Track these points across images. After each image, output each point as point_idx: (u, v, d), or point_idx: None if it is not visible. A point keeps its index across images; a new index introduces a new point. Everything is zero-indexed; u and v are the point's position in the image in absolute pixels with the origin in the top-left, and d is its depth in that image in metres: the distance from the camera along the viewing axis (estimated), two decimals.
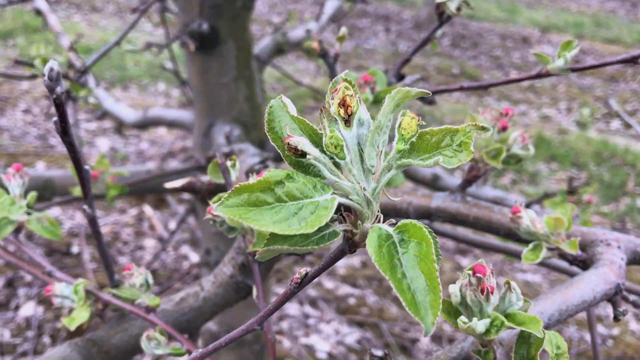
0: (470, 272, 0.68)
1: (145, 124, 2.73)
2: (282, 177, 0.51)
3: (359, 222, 0.54)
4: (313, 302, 3.95)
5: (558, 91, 7.87)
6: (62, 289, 1.06)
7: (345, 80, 0.57)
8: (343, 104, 0.53)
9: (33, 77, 1.85)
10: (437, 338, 3.83)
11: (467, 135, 0.51)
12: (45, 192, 2.12)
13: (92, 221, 0.96)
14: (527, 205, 2.26)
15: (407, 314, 3.64)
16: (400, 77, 1.19)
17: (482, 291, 0.66)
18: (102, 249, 1.03)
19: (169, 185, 1.29)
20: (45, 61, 1.63)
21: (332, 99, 0.54)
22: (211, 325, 2.52)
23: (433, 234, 0.55)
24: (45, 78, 0.72)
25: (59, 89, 0.72)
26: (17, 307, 3.59)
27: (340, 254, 0.56)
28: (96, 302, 1.07)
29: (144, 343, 0.93)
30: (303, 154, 0.53)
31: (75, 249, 4.03)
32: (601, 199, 5.40)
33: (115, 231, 4.29)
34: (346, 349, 3.61)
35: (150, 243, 4.30)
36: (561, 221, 0.90)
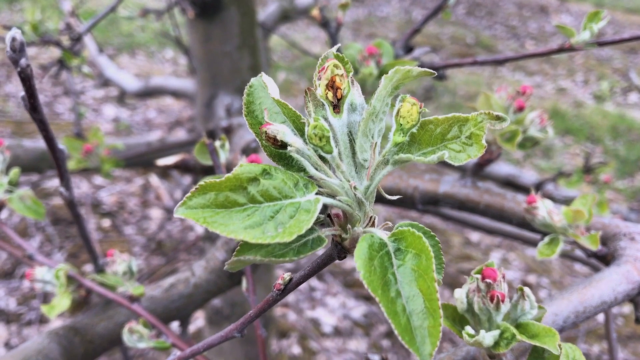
0: (479, 276, 0.60)
1: (147, 93, 2.65)
2: (257, 173, 0.43)
3: (349, 225, 0.46)
4: (319, 275, 3.91)
5: (575, 62, 7.66)
6: (44, 274, 1.00)
7: (337, 56, 0.48)
8: (332, 85, 0.44)
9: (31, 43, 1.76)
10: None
11: (479, 126, 0.42)
12: (42, 164, 2.05)
13: (71, 205, 0.89)
14: (541, 184, 2.17)
15: None
16: (409, 49, 1.10)
17: (491, 299, 0.58)
18: (83, 233, 0.96)
19: (161, 162, 1.21)
20: (35, 28, 1.54)
21: (319, 79, 0.45)
22: (215, 300, 2.47)
23: (436, 238, 0.47)
24: (8, 49, 0.64)
25: (23, 61, 0.64)
26: (22, 276, 3.57)
27: (327, 260, 0.49)
28: (79, 288, 1.01)
29: (125, 336, 0.87)
30: (284, 145, 0.44)
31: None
32: (616, 174, 5.28)
33: (121, 201, 4.25)
34: (352, 322, 3.57)
35: (156, 213, 4.26)
36: (581, 213, 0.81)
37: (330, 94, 0.44)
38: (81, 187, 4.33)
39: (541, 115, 0.92)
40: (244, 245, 0.44)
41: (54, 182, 4.16)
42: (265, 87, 0.48)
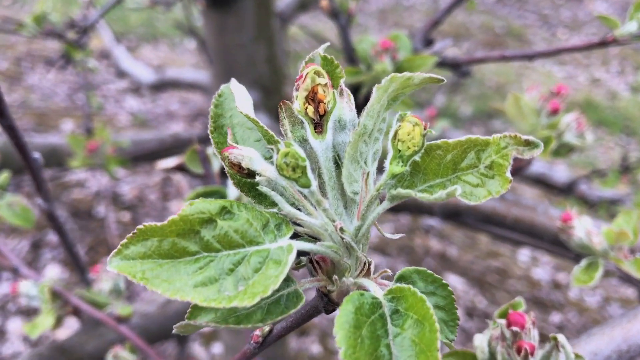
0: (504, 321, 0.49)
1: (162, 86, 2.58)
2: (214, 213, 0.33)
3: (336, 276, 0.36)
4: None
5: (610, 52, 7.37)
6: (29, 288, 0.92)
7: (324, 58, 0.38)
8: (312, 98, 0.34)
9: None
10: (470, 310, 3.67)
11: (502, 154, 0.32)
12: (52, 160, 2.00)
13: (50, 217, 0.81)
14: (573, 184, 2.03)
15: None
16: (429, 42, 0.99)
17: (518, 350, 0.48)
18: (67, 246, 0.87)
19: (161, 165, 1.13)
20: (37, 20, 1.47)
21: (297, 89, 0.35)
22: None
23: (448, 288, 0.37)
24: None
25: None
26: (42, 269, 3.55)
27: (313, 312, 0.39)
28: (66, 305, 0.93)
29: None
30: (251, 173, 0.35)
31: (101, 212, 3.97)
32: None
33: (141, 195, 4.21)
34: None
35: (176, 207, 4.21)
36: (624, 234, 0.70)
37: (310, 109, 0.34)
38: (101, 181, 4.30)
39: (578, 118, 0.80)
40: (196, 306, 0.34)
41: (74, 175, 4.13)
42: (238, 94, 0.38)
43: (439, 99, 5.10)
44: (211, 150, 0.78)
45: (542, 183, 2.04)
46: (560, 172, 2.16)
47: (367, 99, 0.83)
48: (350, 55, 0.94)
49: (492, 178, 0.32)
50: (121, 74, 2.46)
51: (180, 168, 1.16)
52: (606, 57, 7.26)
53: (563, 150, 0.81)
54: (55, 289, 0.90)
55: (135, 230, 0.33)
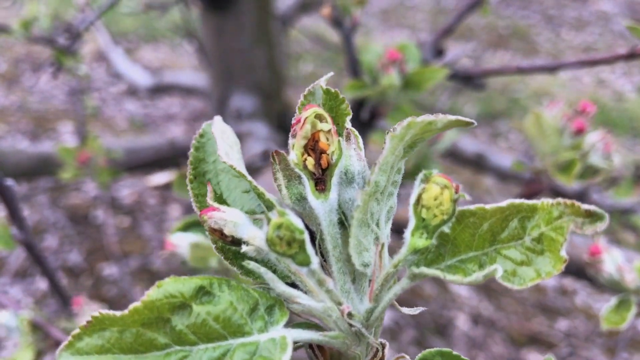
0: None
1: (160, 90, 2.51)
2: (188, 296, 0.26)
3: None
4: None
5: (615, 53, 7.28)
6: (7, 319, 0.85)
7: (326, 92, 0.31)
8: (312, 147, 0.28)
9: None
10: (475, 317, 3.60)
11: (556, 226, 0.25)
12: (44, 169, 1.94)
13: (29, 246, 0.74)
14: (585, 192, 1.96)
15: (443, 293, 3.41)
16: (439, 53, 0.92)
17: None
18: (49, 275, 0.81)
19: (153, 182, 1.06)
20: (25, 25, 1.41)
21: (293, 136, 0.28)
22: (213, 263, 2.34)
23: None
24: None
25: None
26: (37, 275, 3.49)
27: None
28: (48, 338, 0.86)
29: None
30: (236, 241, 0.28)
31: (99, 217, 3.91)
32: None
33: (140, 200, 4.14)
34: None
35: (175, 212, 4.14)
36: None
37: (310, 162, 0.28)
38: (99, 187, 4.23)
39: (604, 138, 0.73)
40: None
41: (71, 180, 4.06)
42: (222, 138, 0.31)
43: (442, 101, 5.03)
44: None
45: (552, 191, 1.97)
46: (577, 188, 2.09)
47: (372, 115, 0.76)
48: (354, 67, 0.87)
49: (541, 254, 0.25)
50: (119, 76, 2.40)
51: (172, 185, 1.09)
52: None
53: (587, 173, 0.74)
54: (35, 321, 0.83)
55: (90, 319, 0.26)
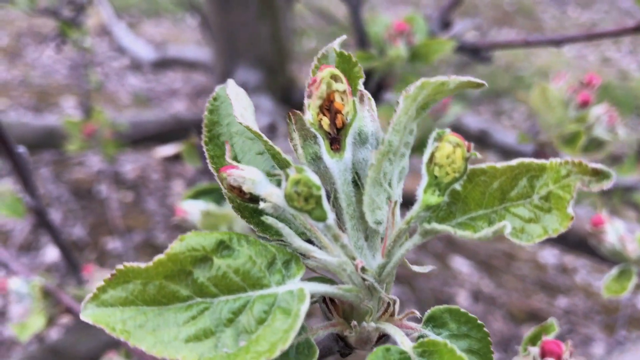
0: (536, 350, 0.44)
1: (163, 64, 2.51)
2: (209, 249, 0.27)
3: (354, 321, 0.30)
4: None
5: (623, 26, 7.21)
6: (19, 286, 0.87)
7: (340, 55, 0.32)
8: (328, 107, 0.28)
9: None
10: (476, 294, 3.63)
11: (562, 184, 0.26)
12: (49, 142, 1.95)
13: (40, 214, 0.75)
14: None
15: (444, 269, 3.44)
16: (446, 25, 0.92)
17: None
18: (60, 242, 0.82)
19: (160, 154, 1.07)
20: None
21: (309, 96, 0.29)
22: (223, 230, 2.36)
23: (484, 329, 0.31)
24: None
25: None
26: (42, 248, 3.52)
27: (326, 353, 0.33)
28: (59, 304, 0.88)
29: None
30: (254, 198, 0.29)
31: (103, 192, 3.92)
32: None
33: (143, 175, 4.15)
34: None
35: (178, 187, 4.16)
36: None
37: (325, 121, 0.28)
38: (103, 160, 4.24)
39: (609, 111, 0.74)
40: None
41: (74, 153, 4.07)
42: (237, 99, 0.32)
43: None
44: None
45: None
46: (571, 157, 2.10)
47: (379, 87, 0.76)
48: (362, 39, 0.87)
49: (548, 212, 0.26)
50: (122, 51, 2.39)
51: (179, 156, 1.10)
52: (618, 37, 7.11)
53: (592, 146, 0.75)
54: (47, 287, 0.85)
55: (114, 271, 0.27)
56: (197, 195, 0.65)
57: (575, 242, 0.75)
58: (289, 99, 1.96)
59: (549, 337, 0.45)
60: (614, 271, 0.67)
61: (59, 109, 4.22)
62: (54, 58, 5.47)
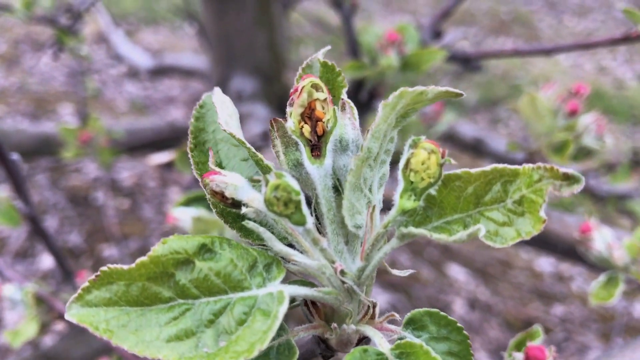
0: (520, 356, 0.44)
1: (160, 71, 2.52)
2: (191, 252, 0.28)
3: (334, 324, 0.31)
4: None
5: (611, 36, 7.24)
6: (12, 292, 0.88)
7: (324, 64, 0.33)
8: (309, 115, 0.29)
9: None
10: (472, 302, 3.63)
11: (535, 188, 0.27)
12: (45, 149, 1.95)
13: (33, 221, 0.75)
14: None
15: (440, 277, 3.44)
16: (437, 34, 0.93)
17: None
18: (53, 250, 0.83)
19: (154, 161, 1.08)
20: (27, 4, 1.41)
21: (291, 104, 0.30)
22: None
23: (464, 332, 0.32)
24: None
25: None
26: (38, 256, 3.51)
27: (308, 356, 0.34)
28: (52, 311, 0.88)
29: None
30: (236, 203, 0.30)
31: (99, 198, 3.92)
32: None
33: (140, 182, 4.15)
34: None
35: (175, 194, 4.16)
36: None
37: (306, 129, 0.29)
38: (99, 167, 4.24)
39: (598, 119, 0.75)
40: None
41: (71, 160, 4.08)
42: (222, 107, 0.33)
43: (443, 85, 5.01)
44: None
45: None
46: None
47: (371, 96, 0.77)
48: (354, 48, 0.88)
49: (521, 215, 0.27)
50: (120, 58, 2.40)
51: (173, 163, 1.11)
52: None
53: (580, 155, 0.76)
54: (40, 294, 0.85)
55: (98, 273, 0.28)
56: (188, 202, 0.66)
57: (565, 249, 0.76)
58: (284, 106, 1.96)
59: (533, 343, 0.46)
60: (602, 278, 0.68)
61: (56, 116, 4.23)
62: (52, 65, 5.48)
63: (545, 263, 3.85)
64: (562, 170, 0.26)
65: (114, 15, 4.49)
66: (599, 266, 0.69)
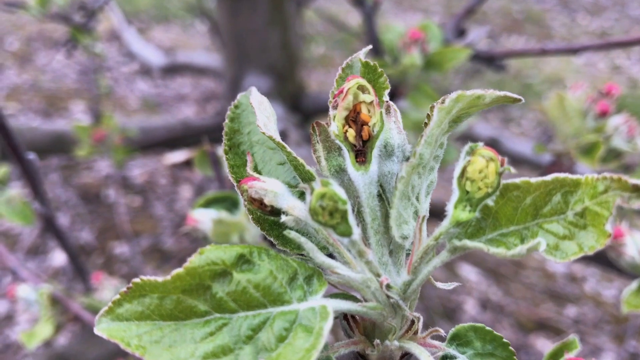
0: None
1: (173, 69, 2.51)
2: (229, 263, 0.26)
3: (377, 340, 0.29)
4: None
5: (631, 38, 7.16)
6: (28, 293, 0.86)
7: (365, 65, 0.31)
8: (354, 119, 0.27)
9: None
10: (484, 302, 3.61)
11: (601, 200, 0.25)
12: (58, 147, 1.95)
13: (49, 221, 0.74)
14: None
15: (452, 277, 3.41)
16: (461, 33, 0.91)
17: None
18: (69, 250, 0.81)
19: (169, 161, 1.06)
20: (41, 2, 1.40)
21: (334, 107, 0.28)
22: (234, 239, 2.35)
23: (510, 348, 0.30)
24: None
25: None
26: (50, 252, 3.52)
27: None
28: (67, 312, 0.87)
29: None
30: (275, 211, 0.28)
31: (111, 196, 3.92)
32: None
33: (151, 180, 4.15)
34: None
35: (186, 192, 4.15)
36: None
37: (351, 133, 0.27)
38: (111, 165, 4.24)
39: (628, 121, 0.73)
40: None
41: (83, 158, 4.08)
42: (259, 108, 0.31)
43: (456, 84, 4.98)
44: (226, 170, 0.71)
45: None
46: (583, 166, 2.08)
47: (392, 95, 0.75)
48: (375, 46, 0.86)
49: (583, 229, 0.25)
50: (131, 56, 2.40)
51: (188, 163, 1.09)
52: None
53: (610, 156, 0.73)
54: (55, 294, 0.84)
55: (130, 285, 0.26)
56: (208, 204, 0.64)
57: (591, 255, 0.74)
58: (298, 105, 1.95)
59: (571, 355, 0.44)
60: (634, 285, 0.65)
61: (68, 113, 4.23)
62: (64, 63, 5.49)
63: (557, 264, 3.81)
64: (632, 181, 0.24)
65: (126, 13, 4.50)
66: (630, 273, 0.67)
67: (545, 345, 2.65)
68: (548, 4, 8.23)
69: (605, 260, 0.74)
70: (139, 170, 4.33)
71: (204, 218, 0.62)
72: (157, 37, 5.89)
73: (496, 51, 0.84)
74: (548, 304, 3.10)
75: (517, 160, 2.08)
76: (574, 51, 0.80)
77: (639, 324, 3.39)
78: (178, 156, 1.07)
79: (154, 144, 1.64)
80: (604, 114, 0.72)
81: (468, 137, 1.98)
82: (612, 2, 7.62)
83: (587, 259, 0.80)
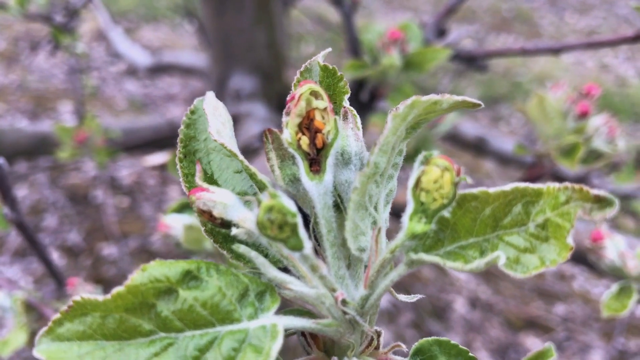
0: None
1: (159, 69, 2.49)
2: (174, 280, 0.25)
3: (335, 356, 0.28)
4: None
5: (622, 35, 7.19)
6: (1, 299, 0.85)
7: (324, 68, 0.30)
8: (307, 126, 0.26)
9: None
10: (473, 301, 3.61)
11: (562, 212, 0.24)
12: (42, 148, 1.92)
13: (21, 227, 0.72)
14: (586, 177, 1.94)
15: (441, 276, 3.41)
16: (441, 33, 0.89)
17: None
18: (44, 257, 0.80)
19: (149, 162, 1.05)
20: (21, 1, 1.38)
21: (287, 113, 0.27)
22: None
23: None
24: None
25: None
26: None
27: None
28: (41, 319, 0.85)
29: None
30: (226, 223, 0.27)
31: (99, 197, 3.89)
32: None
33: (139, 180, 4.12)
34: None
35: (175, 192, 4.13)
36: None
37: (304, 141, 0.26)
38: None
39: (609, 122, 0.72)
40: None
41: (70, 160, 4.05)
42: (214, 114, 0.30)
43: (444, 84, 4.98)
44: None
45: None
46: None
47: (372, 96, 0.74)
48: (355, 47, 0.85)
49: (545, 241, 0.24)
50: (119, 56, 2.38)
51: (166, 166, 1.08)
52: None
53: (591, 157, 0.72)
54: (29, 301, 0.82)
55: (71, 303, 0.25)
56: (181, 209, 0.63)
57: (574, 256, 0.73)
58: (284, 105, 1.93)
59: None
60: (614, 288, 0.65)
61: (56, 113, 4.20)
62: (52, 62, 5.45)
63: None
64: (593, 192, 0.23)
65: (113, 13, 4.47)
66: (610, 275, 0.66)
67: (534, 343, 2.66)
68: (537, 3, 8.25)
69: (589, 262, 0.74)
70: (127, 170, 4.30)
71: (176, 223, 0.61)
72: (146, 37, 5.86)
73: (477, 51, 0.83)
74: (537, 302, 3.10)
75: (505, 160, 2.07)
76: (554, 51, 0.79)
77: (627, 321, 3.40)
78: (157, 158, 1.06)
79: (140, 144, 1.62)
80: (584, 115, 0.71)
81: (454, 136, 1.97)
82: (600, 1, 7.65)
83: (573, 259, 0.80)
